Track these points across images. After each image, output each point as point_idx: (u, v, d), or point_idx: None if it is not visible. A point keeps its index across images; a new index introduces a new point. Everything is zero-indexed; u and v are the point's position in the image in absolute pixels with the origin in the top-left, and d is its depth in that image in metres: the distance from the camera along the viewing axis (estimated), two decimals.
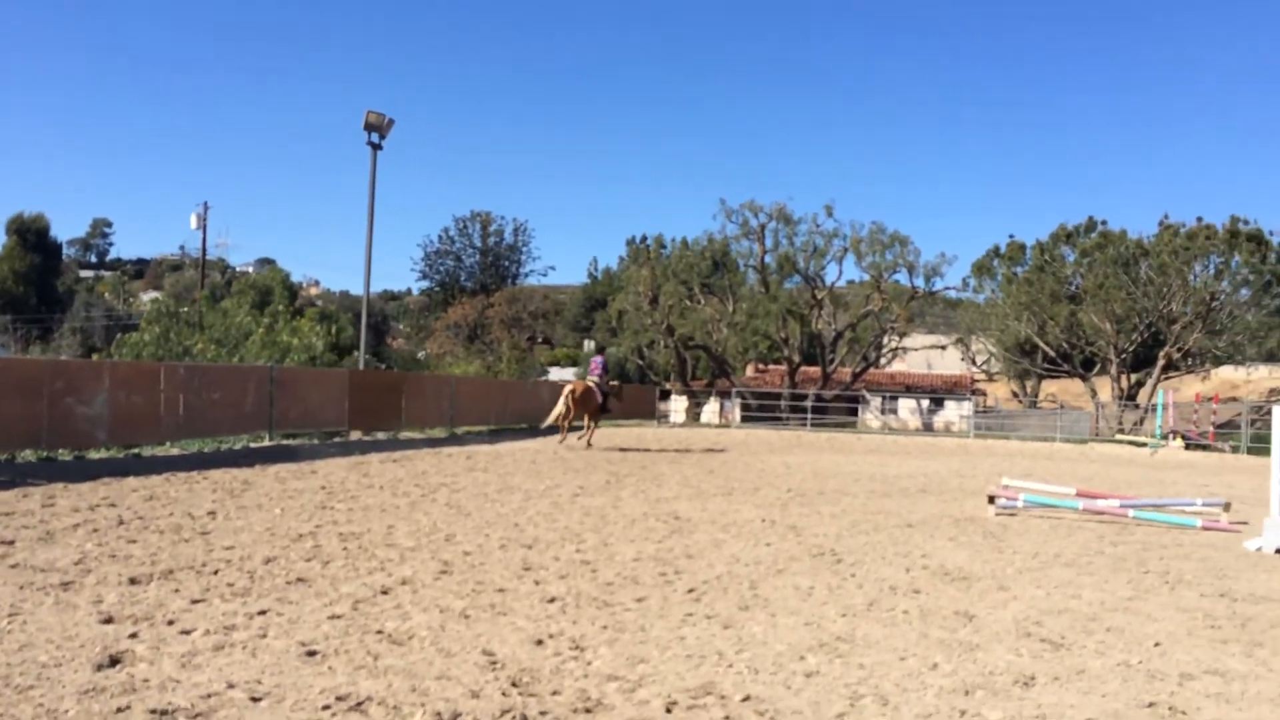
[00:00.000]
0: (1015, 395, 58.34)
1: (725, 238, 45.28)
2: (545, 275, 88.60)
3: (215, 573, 6.44)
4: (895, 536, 9.25)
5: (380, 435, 22.05)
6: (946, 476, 16.77)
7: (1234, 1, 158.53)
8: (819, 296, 45.21)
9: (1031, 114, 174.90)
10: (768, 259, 44.99)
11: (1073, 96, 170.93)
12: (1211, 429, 33.17)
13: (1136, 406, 40.42)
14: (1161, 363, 41.12)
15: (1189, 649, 5.31)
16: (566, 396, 20.56)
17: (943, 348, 52.31)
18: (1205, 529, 10.38)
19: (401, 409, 23.46)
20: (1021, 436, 36.70)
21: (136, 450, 15.64)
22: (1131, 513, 10.87)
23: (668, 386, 47.31)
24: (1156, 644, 5.38)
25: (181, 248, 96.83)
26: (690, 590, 6.44)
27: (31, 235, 78.00)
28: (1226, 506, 11.10)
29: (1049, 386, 58.58)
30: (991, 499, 11.41)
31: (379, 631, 5.11)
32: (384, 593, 6.03)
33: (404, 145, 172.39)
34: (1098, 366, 45.04)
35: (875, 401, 49.74)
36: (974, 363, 55.37)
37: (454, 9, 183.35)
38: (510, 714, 3.91)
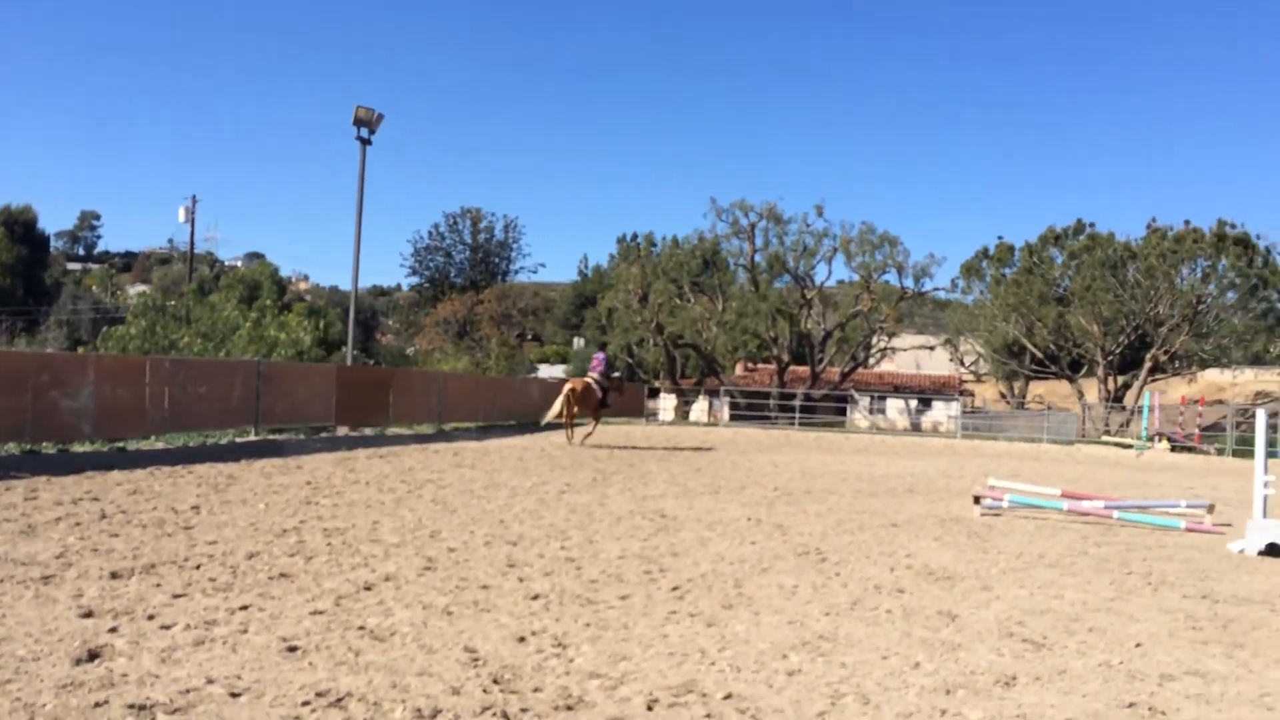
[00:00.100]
0: (1003, 396, 58.55)
1: (715, 236, 45.40)
2: (535, 272, 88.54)
3: (197, 567, 6.41)
4: (880, 536, 9.27)
5: (368, 431, 22.01)
6: (933, 476, 16.82)
7: (1225, 6, 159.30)
8: (808, 296, 45.29)
9: (1021, 116, 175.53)
10: (758, 258, 45.11)
11: (1063, 99, 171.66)
12: (1197, 431, 33.33)
13: (1123, 408, 40.62)
14: (1148, 365, 41.33)
15: (1170, 650, 5.33)
16: (566, 395, 20.51)
17: (931, 348, 52.48)
18: (1189, 531, 10.43)
19: (389, 405, 23.41)
20: (1009, 437, 36.83)
21: (121, 444, 15.56)
22: (1116, 514, 10.91)
23: (657, 385, 47.34)
24: (1138, 645, 5.40)
25: (170, 241, 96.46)
26: (674, 588, 6.43)
27: (19, 227, 77.52)
28: (1210, 508, 11.16)
29: (1036, 388, 58.84)
30: (977, 499, 11.44)
31: (361, 627, 5.09)
32: (367, 589, 6.01)
33: (395, 141, 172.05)
34: (1085, 368, 45.25)
35: (863, 401, 49.83)
36: (962, 363, 55.59)
37: (446, 5, 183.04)
38: (491, 711, 3.90)
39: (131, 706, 3.76)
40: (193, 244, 58.92)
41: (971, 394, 57.33)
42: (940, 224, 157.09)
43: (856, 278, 44.61)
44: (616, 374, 22.95)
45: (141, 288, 72.91)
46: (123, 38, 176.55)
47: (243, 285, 45.65)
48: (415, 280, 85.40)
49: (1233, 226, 40.92)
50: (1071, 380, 45.09)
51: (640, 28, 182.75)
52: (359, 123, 26.96)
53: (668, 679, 4.44)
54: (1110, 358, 42.27)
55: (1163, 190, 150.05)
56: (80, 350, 35.88)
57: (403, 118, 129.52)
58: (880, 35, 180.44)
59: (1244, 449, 28.45)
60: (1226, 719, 4.18)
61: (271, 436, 18.71)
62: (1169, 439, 31.44)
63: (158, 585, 5.85)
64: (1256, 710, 4.32)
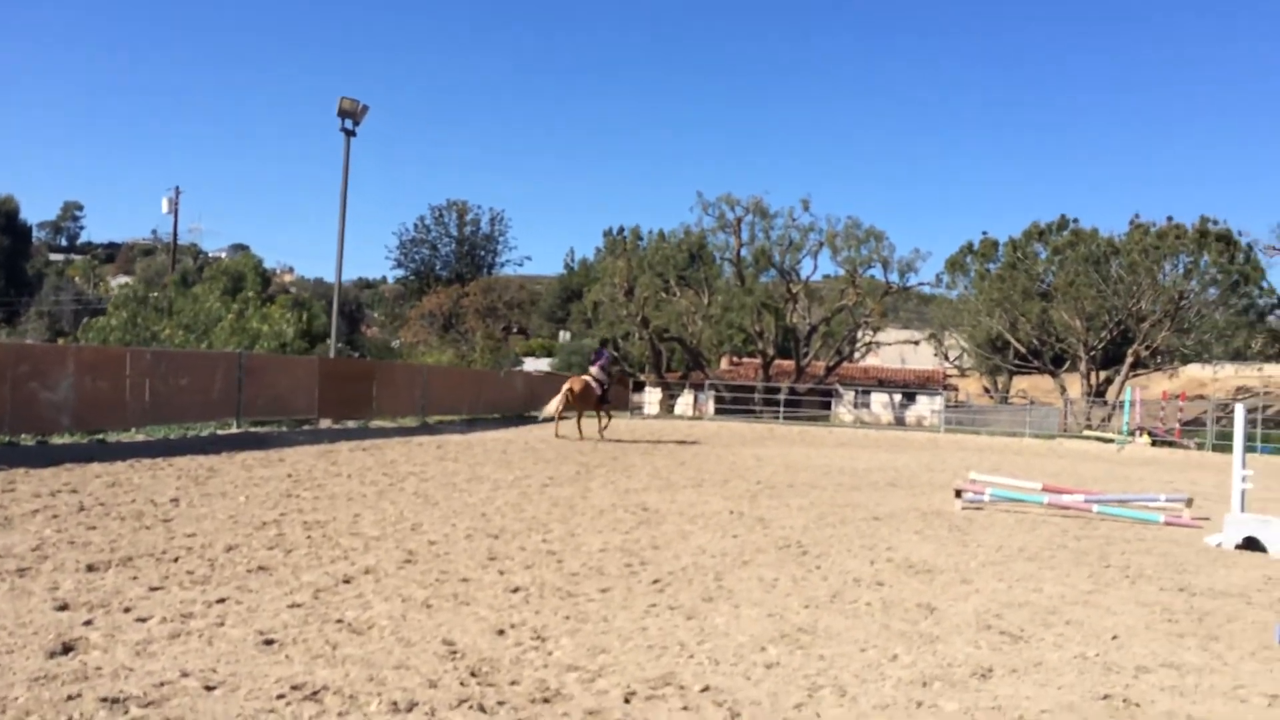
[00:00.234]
0: (986, 391, 58.78)
1: (702, 230, 45.33)
2: (521, 265, 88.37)
3: (175, 560, 6.38)
4: (862, 529, 9.30)
5: (351, 424, 21.93)
6: (916, 470, 16.88)
7: (1214, 5, 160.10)
8: (794, 290, 45.34)
9: (1007, 113, 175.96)
10: (744, 252, 45.09)
11: (1048, 96, 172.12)
12: (1178, 426, 33.58)
13: (1105, 403, 40.84)
14: (1130, 360, 41.55)
15: (1146, 642, 5.36)
16: (565, 392, 20.63)
17: (916, 343, 52.62)
18: (1168, 524, 10.50)
19: (373, 398, 23.33)
20: (991, 431, 37.00)
21: (101, 436, 15.46)
22: (1096, 508, 10.98)
23: (642, 378, 47.33)
24: (1114, 637, 5.43)
25: (153, 232, 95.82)
26: (655, 581, 6.44)
27: (1, 217, 76.89)
28: (1189, 502, 11.24)
29: (1020, 382, 59.07)
30: (958, 493, 11.49)
31: (339, 620, 5.07)
32: (346, 582, 5.99)
33: (381, 133, 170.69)
34: (1067, 363, 45.46)
35: (848, 395, 49.97)
36: (946, 358, 55.75)
37: None
38: (467, 704, 3.90)
39: (105, 700, 3.74)
40: (176, 235, 58.60)
41: (955, 388, 57.55)
42: (925, 219, 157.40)
43: (842, 272, 44.69)
44: (617, 367, 23.33)
45: (124, 279, 72.50)
46: (106, 27, 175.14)
47: (226, 277, 45.27)
48: (401, 273, 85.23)
49: (1215, 223, 41.17)
50: (1054, 375, 45.31)
51: (628, 22, 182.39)
52: (344, 114, 26.81)
53: (646, 671, 4.45)
54: (1093, 353, 42.49)
55: (1146, 187, 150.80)
56: (60, 342, 35.65)
57: (389, 109, 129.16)
58: (868, 32, 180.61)
59: (1224, 444, 28.68)
60: (1200, 711, 4.21)
61: (253, 429, 18.62)
62: (1150, 434, 31.65)
63: (134, 578, 5.82)
64: (1230, 702, 4.35)
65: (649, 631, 5.15)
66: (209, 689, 3.92)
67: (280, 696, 3.87)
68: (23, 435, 14.28)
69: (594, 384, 21.05)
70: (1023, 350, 45.24)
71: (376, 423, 22.85)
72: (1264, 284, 42.34)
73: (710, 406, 43.96)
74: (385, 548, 7.19)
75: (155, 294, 32.86)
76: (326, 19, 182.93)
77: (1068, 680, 4.57)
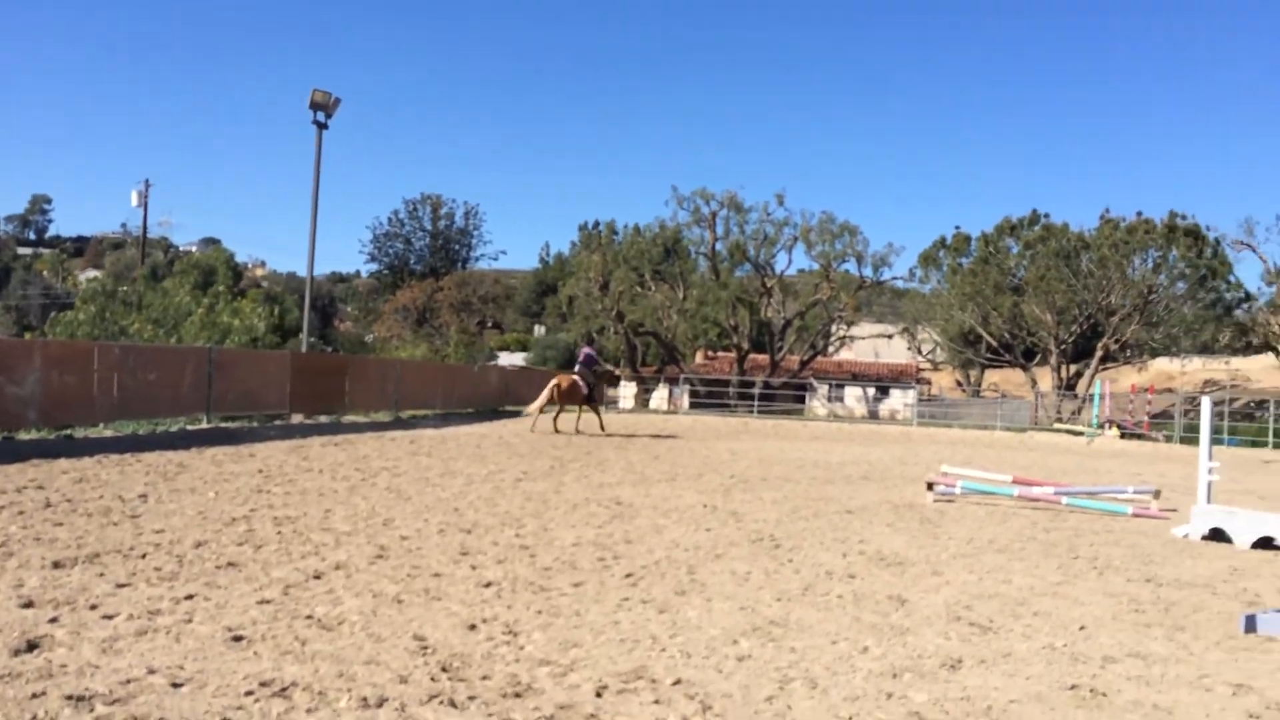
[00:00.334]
0: (959, 384, 59.22)
1: (677, 225, 45.36)
2: (496, 260, 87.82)
3: (143, 557, 6.31)
4: (834, 522, 9.34)
5: (323, 419, 21.77)
6: (889, 464, 16.97)
7: (1175, 2, 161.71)
8: (769, 285, 45.48)
9: (979, 107, 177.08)
10: (719, 247, 45.16)
11: (1020, 91, 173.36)
12: (1146, 419, 33.91)
13: (1075, 396, 41.22)
14: (1099, 353, 42.00)
15: (1113, 633, 5.42)
16: (552, 389, 20.89)
17: (889, 337, 52.93)
18: (1136, 516, 10.62)
19: (345, 392, 23.18)
20: (964, 425, 37.25)
21: (69, 432, 15.27)
22: (1065, 500, 11.08)
23: (617, 373, 47.29)
24: (1082, 628, 5.49)
25: (123, 225, 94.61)
26: (628, 575, 6.44)
27: None
28: (1157, 494, 11.37)
29: (991, 376, 59.55)
30: (930, 486, 11.56)
31: (309, 616, 5.04)
32: (316, 577, 5.95)
33: (355, 127, 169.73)
34: (1038, 357, 45.89)
35: (822, 389, 50.19)
36: (919, 352, 56.16)
37: None
38: (438, 699, 3.88)
39: (70, 698, 3.70)
40: (145, 229, 57.88)
41: (928, 382, 57.91)
42: (899, 214, 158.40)
43: (816, 266, 44.86)
44: (608, 368, 23.71)
45: (93, 273, 71.58)
46: (75, 19, 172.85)
47: (197, 271, 44.81)
48: (374, 267, 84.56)
49: (1183, 218, 41.68)
50: (1025, 369, 45.72)
51: (603, 17, 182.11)
52: (315, 106, 26.61)
53: (618, 665, 4.45)
54: (1063, 346, 42.90)
55: (1116, 182, 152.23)
56: (28, 336, 35.19)
57: (362, 102, 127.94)
58: (841, 26, 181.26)
59: (1191, 436, 29.02)
60: (1166, 700, 4.25)
61: (224, 424, 18.46)
62: (1119, 426, 31.96)
63: (101, 575, 5.75)
64: (1195, 691, 4.40)
65: (621, 625, 5.15)
66: (176, 686, 3.89)
67: (249, 693, 3.84)
68: None
69: (580, 383, 21.29)
70: (994, 344, 45.62)
71: (349, 418, 22.70)
72: (1231, 278, 42.98)
73: (685, 401, 43.98)
74: (357, 543, 7.15)
75: (124, 288, 32.43)
76: (298, 10, 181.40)
77: (1036, 670, 4.61)
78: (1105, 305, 41.41)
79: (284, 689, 3.90)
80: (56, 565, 5.92)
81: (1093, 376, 40.72)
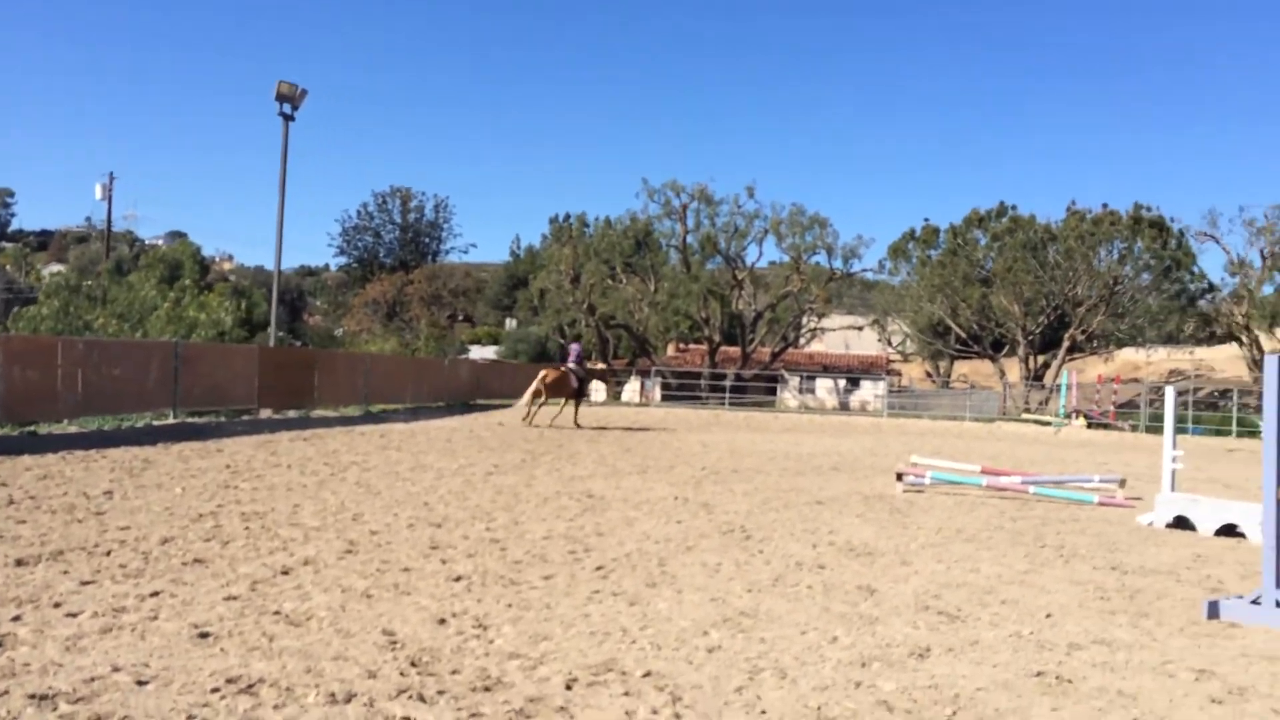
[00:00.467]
0: (929, 375, 59.66)
1: (648, 217, 45.36)
2: (466, 253, 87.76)
3: (108, 554, 6.23)
4: (805, 513, 9.38)
5: (291, 413, 21.61)
6: (859, 455, 17.08)
7: None
8: (739, 277, 45.58)
9: (948, 99, 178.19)
10: (689, 239, 45.23)
11: (987, 83, 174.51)
12: (1112, 409, 34.37)
13: (1042, 387, 41.66)
14: (1066, 344, 42.45)
15: (1079, 620, 5.48)
16: (539, 382, 20.90)
17: (860, 328, 53.26)
18: (1101, 505, 10.75)
19: (314, 387, 23.02)
20: (933, 415, 37.57)
21: (32, 428, 15.05)
22: (1032, 489, 11.20)
23: (603, 367, 47.26)
24: (1048, 615, 5.55)
25: (88, 219, 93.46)
26: (599, 568, 6.44)
27: None
28: (1122, 483, 11.52)
29: (961, 367, 60.03)
30: (900, 476, 11.65)
31: (276, 612, 5.00)
32: (284, 573, 5.90)
33: (323, 119, 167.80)
34: (1007, 348, 46.32)
35: (793, 381, 50.37)
36: (889, 343, 56.50)
37: None
38: (407, 693, 3.86)
39: (33, 696, 3.65)
40: (110, 222, 57.25)
41: (898, 373, 58.34)
42: (868, 206, 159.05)
43: (787, 259, 45.01)
44: (600, 365, 24.10)
45: (57, 267, 70.57)
46: (35, 7, 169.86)
47: (163, 265, 44.28)
48: (343, 260, 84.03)
49: (1148, 210, 42.17)
50: (994, 360, 46.14)
51: (573, 8, 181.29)
52: (281, 98, 26.36)
53: (588, 658, 4.45)
54: (1031, 337, 43.32)
55: (1082, 174, 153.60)
56: None
57: (330, 95, 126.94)
58: (810, 17, 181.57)
59: (1156, 425, 29.39)
60: (1130, 686, 4.31)
61: (190, 419, 18.28)
62: (1086, 416, 32.36)
63: (65, 572, 5.68)
64: (1158, 677, 4.46)
65: (592, 618, 5.15)
66: (141, 684, 3.84)
67: (215, 690, 3.81)
68: None
69: (570, 375, 21.35)
70: (963, 335, 45.99)
71: (318, 412, 22.55)
72: (1195, 269, 43.54)
73: (657, 393, 44.07)
74: (325, 538, 7.10)
75: (89, 283, 32.06)
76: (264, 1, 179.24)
77: (1003, 658, 4.66)
78: (1072, 296, 41.85)
79: (251, 685, 3.87)
80: (20, 563, 5.84)
81: (1060, 367, 41.16)
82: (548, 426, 20.73)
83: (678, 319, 48.44)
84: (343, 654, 4.34)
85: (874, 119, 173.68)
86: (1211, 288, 44.84)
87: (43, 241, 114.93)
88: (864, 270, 46.56)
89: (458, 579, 5.93)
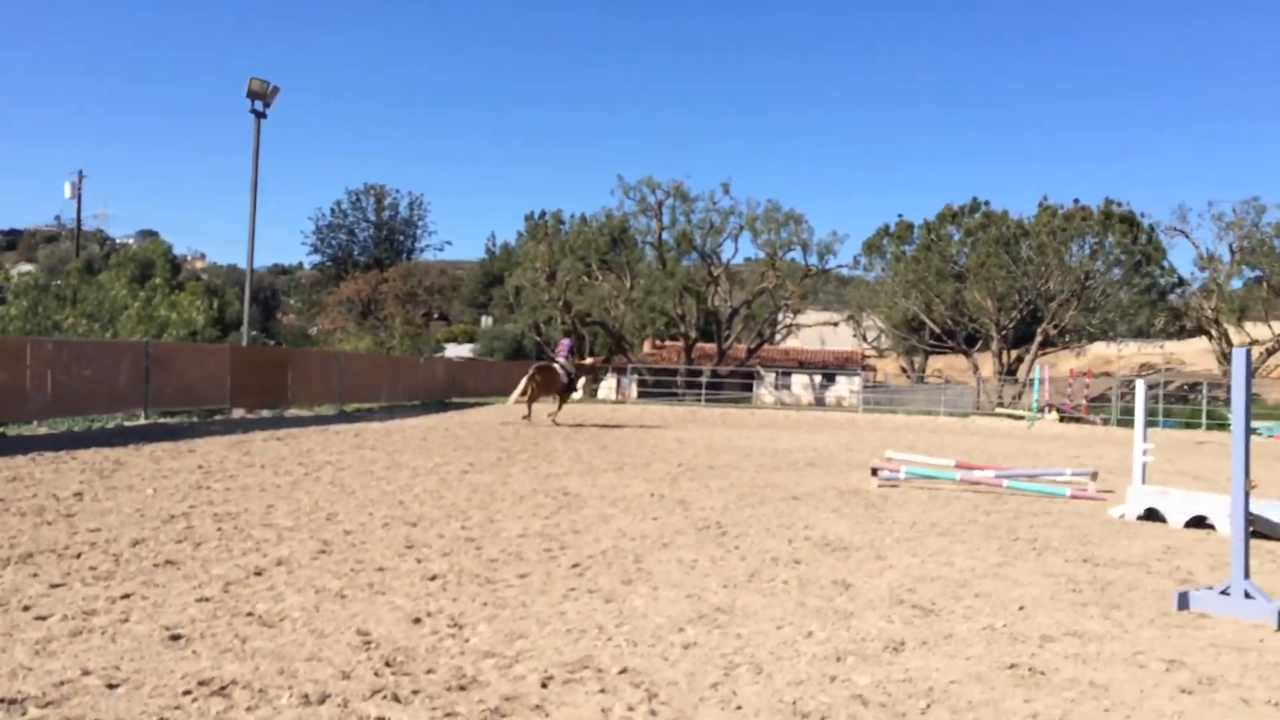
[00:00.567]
0: (904, 371, 60.02)
1: (623, 214, 45.30)
2: (441, 250, 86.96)
3: (78, 556, 6.16)
4: (780, 509, 9.41)
5: (265, 413, 21.46)
6: (834, 450, 17.15)
7: None
8: (715, 273, 45.63)
9: (922, 95, 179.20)
10: (665, 236, 45.19)
11: (961, 79, 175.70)
12: (1084, 402, 34.70)
13: (1015, 381, 42.02)
14: (1039, 339, 42.82)
15: (1051, 612, 5.53)
16: (530, 376, 20.85)
17: (835, 324, 53.48)
18: (1074, 497, 10.84)
19: (288, 386, 22.86)
20: (908, 410, 37.78)
21: (1, 429, 14.87)
22: (1006, 483, 11.28)
23: (595, 362, 47.22)
24: (1021, 608, 5.59)
25: (57, 218, 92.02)
26: (574, 565, 6.43)
27: None
28: (1094, 476, 11.63)
29: (935, 362, 60.45)
30: (875, 471, 11.70)
31: (249, 614, 4.96)
32: (257, 574, 5.85)
33: (295, 116, 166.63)
34: (980, 343, 46.66)
35: (769, 377, 50.48)
36: (865, 339, 56.80)
37: None
38: (381, 694, 3.84)
39: (1, 701, 3.60)
40: (80, 221, 56.62)
41: (873, 369, 58.61)
42: (843, 202, 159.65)
43: (762, 255, 45.11)
44: (589, 361, 24.15)
45: (26, 267, 69.66)
46: (2, 5, 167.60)
47: (134, 264, 43.87)
48: (317, 259, 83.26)
49: (1119, 205, 42.62)
50: (968, 354, 46.48)
51: (548, 5, 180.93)
52: (253, 95, 26.15)
53: (564, 656, 4.44)
54: (1004, 332, 43.68)
55: (1054, 170, 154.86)
56: None
57: (303, 92, 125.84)
58: (783, 13, 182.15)
59: (1128, 419, 29.71)
60: (1101, 677, 4.35)
61: (162, 420, 18.11)
62: (1058, 410, 32.65)
63: (34, 575, 5.61)
64: (1129, 668, 4.51)
65: (567, 615, 5.14)
66: (111, 687, 3.80)
67: (187, 693, 3.77)
68: None
69: (560, 371, 21.29)
70: (937, 330, 46.30)
71: (292, 411, 22.40)
72: (1165, 264, 44.05)
73: (633, 390, 44.04)
74: (299, 538, 7.05)
75: (58, 282, 31.68)
76: None
77: (976, 651, 4.69)
78: (1044, 291, 42.22)
79: (223, 687, 3.84)
80: None
81: (1032, 361, 41.51)
82: (524, 426, 20.68)
83: (654, 316, 48.42)
84: (317, 655, 4.32)
85: (848, 116, 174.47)
86: (1181, 282, 45.42)
87: (11, 241, 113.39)
88: (839, 266, 46.77)
89: (433, 578, 5.90)
